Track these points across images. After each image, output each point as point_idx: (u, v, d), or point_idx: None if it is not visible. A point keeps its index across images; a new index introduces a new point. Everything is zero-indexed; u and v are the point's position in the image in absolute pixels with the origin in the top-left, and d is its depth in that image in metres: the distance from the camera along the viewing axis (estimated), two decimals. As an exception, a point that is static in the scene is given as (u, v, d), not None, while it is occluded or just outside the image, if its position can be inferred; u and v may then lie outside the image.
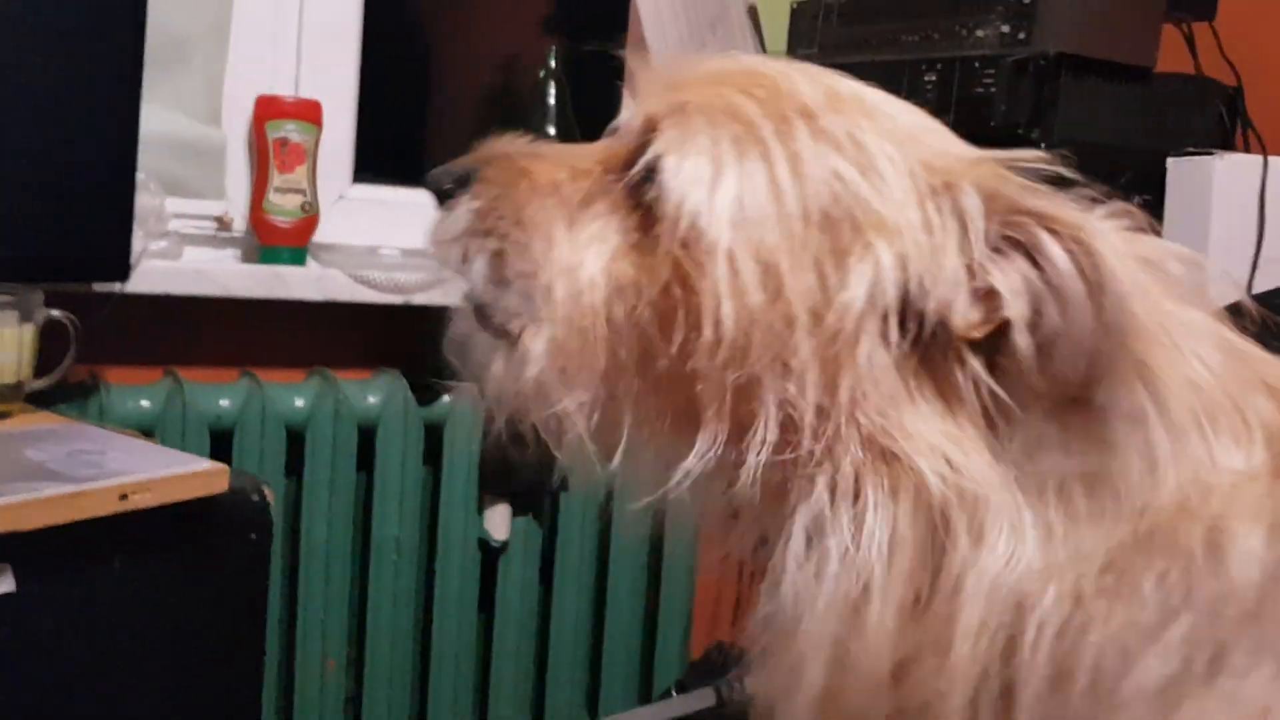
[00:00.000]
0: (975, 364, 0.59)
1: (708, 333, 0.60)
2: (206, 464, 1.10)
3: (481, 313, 0.70)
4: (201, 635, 1.14)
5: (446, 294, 1.79)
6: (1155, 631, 0.55)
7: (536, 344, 0.65)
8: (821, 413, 0.59)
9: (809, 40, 1.85)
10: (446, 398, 1.71)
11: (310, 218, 1.66)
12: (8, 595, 0.98)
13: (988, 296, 0.58)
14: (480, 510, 1.75)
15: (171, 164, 1.56)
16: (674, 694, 1.94)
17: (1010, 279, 0.58)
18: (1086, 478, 0.58)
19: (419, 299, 1.69)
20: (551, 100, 1.86)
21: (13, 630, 0.99)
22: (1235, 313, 0.64)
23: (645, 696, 1.94)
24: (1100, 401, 0.57)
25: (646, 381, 0.64)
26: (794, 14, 1.90)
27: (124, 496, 1.02)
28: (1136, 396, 0.58)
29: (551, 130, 1.84)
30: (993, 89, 1.54)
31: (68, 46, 1.28)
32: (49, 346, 1.31)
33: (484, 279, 0.68)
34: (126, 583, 1.07)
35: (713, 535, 0.71)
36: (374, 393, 1.66)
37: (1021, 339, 0.57)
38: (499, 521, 1.76)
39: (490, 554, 1.78)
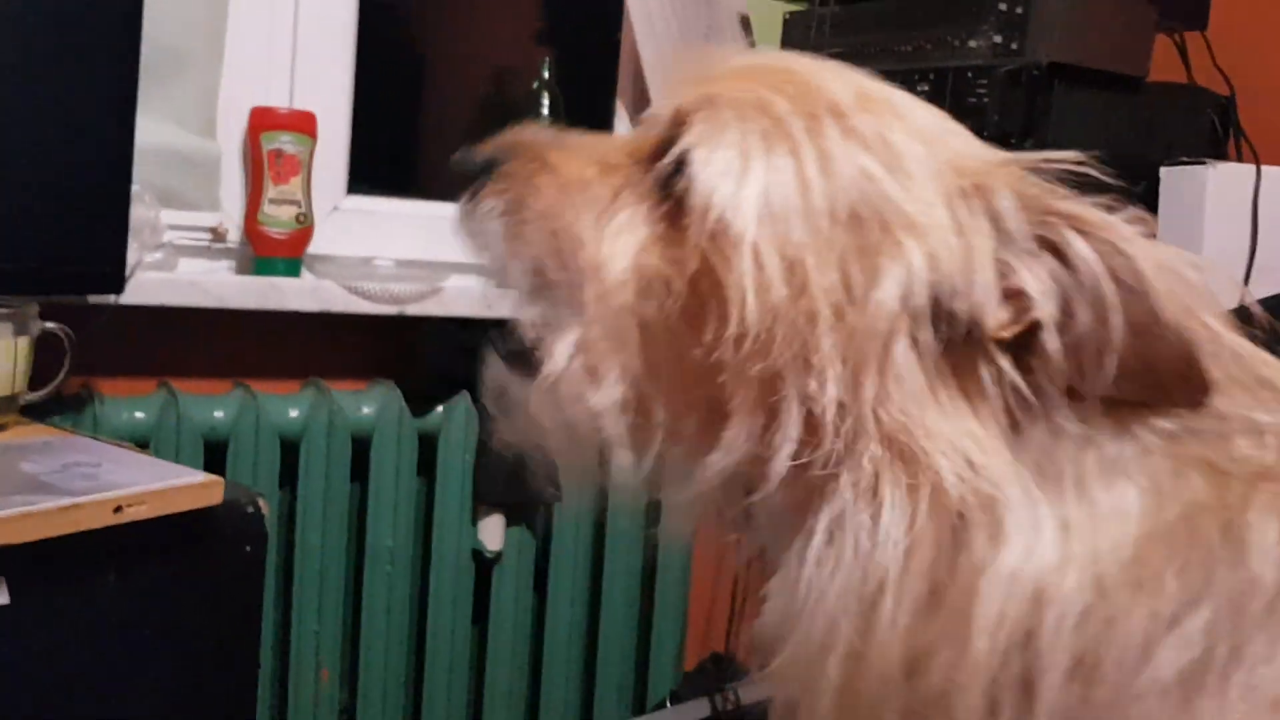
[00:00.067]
0: (1003, 363, 0.59)
1: (732, 325, 0.60)
2: (201, 476, 1.10)
3: (515, 360, 0.70)
4: (196, 647, 1.14)
5: (441, 304, 1.79)
6: (1175, 622, 0.55)
7: (565, 344, 0.65)
8: (843, 410, 0.59)
9: (801, 50, 1.85)
10: (440, 408, 1.71)
11: (305, 229, 1.66)
12: (2, 608, 0.97)
13: (1016, 297, 0.59)
14: (474, 521, 1.75)
15: (166, 176, 1.56)
16: (668, 705, 1.94)
17: (1040, 279, 0.58)
18: (1106, 470, 0.58)
19: (413, 310, 1.69)
20: (545, 110, 1.87)
21: (7, 643, 0.99)
22: (1240, 318, 0.64)
23: (639, 707, 1.94)
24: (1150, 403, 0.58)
25: (676, 378, 0.64)
26: (786, 24, 1.91)
27: (118, 509, 1.01)
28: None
29: (545, 141, 1.84)
30: (985, 99, 1.55)
31: (63, 59, 1.28)
32: (43, 358, 1.31)
33: (522, 284, 0.68)
34: (121, 595, 1.06)
35: (723, 536, 0.71)
36: (368, 403, 1.66)
37: (1051, 340, 0.58)
38: (493, 532, 1.76)
39: (484, 564, 1.77)
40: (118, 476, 1.07)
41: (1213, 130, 1.74)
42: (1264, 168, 1.59)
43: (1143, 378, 0.57)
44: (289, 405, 1.61)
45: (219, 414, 1.56)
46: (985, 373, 0.59)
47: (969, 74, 1.57)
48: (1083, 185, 0.62)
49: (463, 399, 1.71)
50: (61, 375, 1.34)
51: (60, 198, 1.30)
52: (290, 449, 1.60)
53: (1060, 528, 0.58)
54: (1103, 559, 0.57)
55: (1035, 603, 0.57)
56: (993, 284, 0.59)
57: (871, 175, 0.60)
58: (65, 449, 1.16)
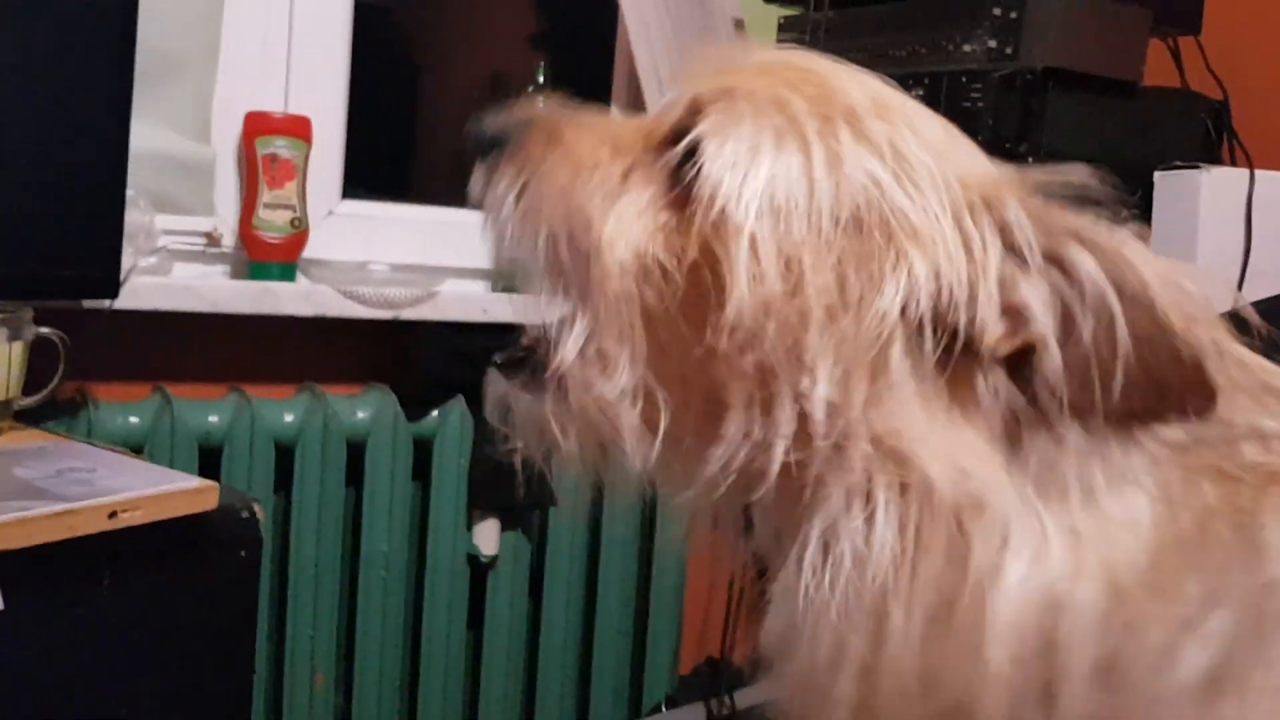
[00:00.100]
0: (999, 376, 0.59)
1: (728, 314, 0.61)
2: (196, 481, 1.10)
3: (515, 368, 0.70)
4: (191, 652, 1.14)
5: (436, 309, 1.79)
6: (1196, 625, 0.55)
7: (575, 333, 0.65)
8: (834, 410, 0.60)
9: (797, 55, 1.85)
10: (435, 413, 1.71)
11: (300, 233, 1.66)
12: (-4, 614, 0.97)
13: (1016, 312, 0.59)
14: (469, 525, 1.74)
15: (161, 180, 1.56)
16: (663, 709, 1.94)
17: (1041, 295, 0.58)
18: (1115, 480, 0.58)
19: (408, 314, 1.69)
20: (540, 115, 1.87)
21: (3, 649, 0.98)
22: (1236, 323, 0.65)
23: (634, 712, 1.94)
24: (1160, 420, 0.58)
25: (678, 368, 0.64)
26: (781, 27, 1.91)
27: (113, 515, 1.01)
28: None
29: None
30: (980, 103, 1.55)
31: (58, 62, 1.28)
32: (38, 363, 1.31)
33: (532, 261, 0.68)
34: (116, 601, 1.06)
35: (722, 541, 0.71)
36: (363, 408, 1.66)
37: (1050, 357, 0.58)
38: (488, 536, 1.76)
39: (479, 569, 1.77)
40: (113, 482, 1.06)
41: (1206, 135, 1.74)
42: (1257, 172, 1.59)
43: (1150, 388, 0.57)
44: (284, 410, 1.61)
45: (214, 419, 1.55)
46: (982, 384, 0.59)
47: (964, 78, 1.57)
48: (1079, 194, 0.62)
49: (458, 403, 1.71)
50: (56, 380, 1.34)
51: (55, 202, 1.30)
52: (285, 454, 1.60)
53: (1069, 536, 0.58)
54: (1117, 565, 0.57)
55: (1051, 610, 0.57)
56: (995, 299, 0.59)
57: (879, 182, 0.61)
58: (60, 454, 1.16)
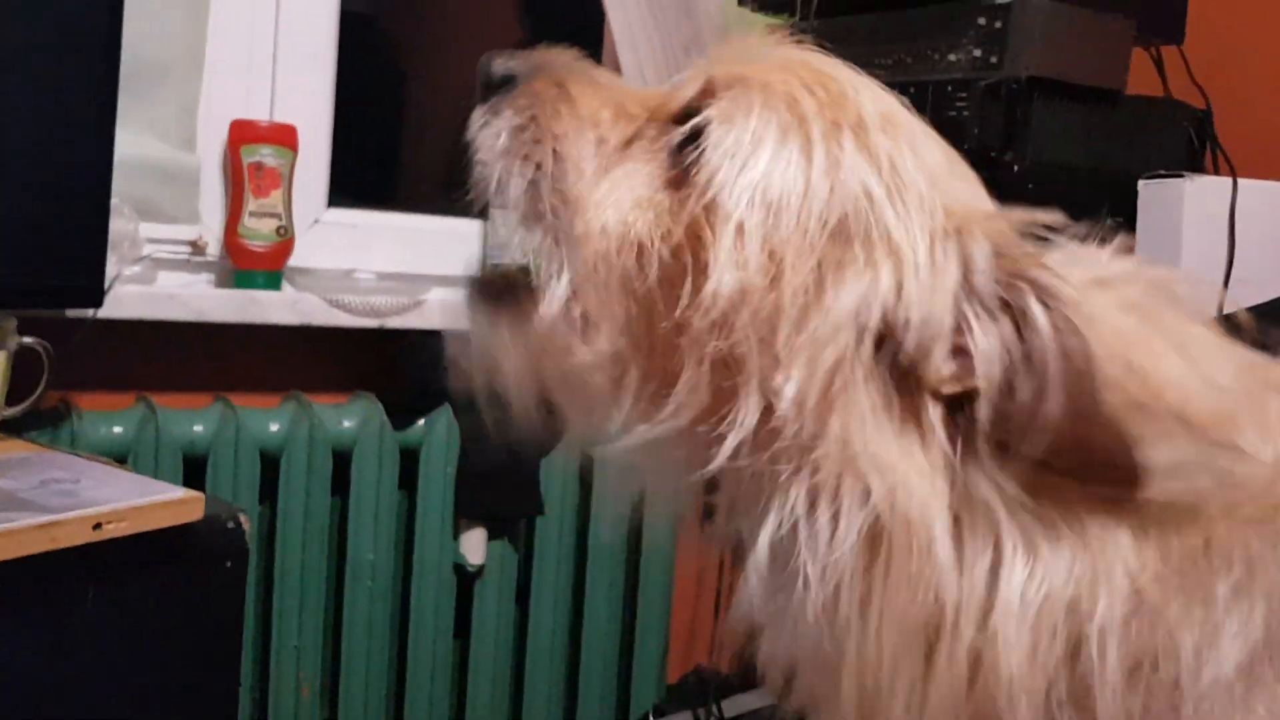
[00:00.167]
0: (935, 414, 0.59)
1: (704, 297, 0.61)
2: (181, 492, 1.09)
3: (478, 287, 0.70)
4: (176, 663, 1.13)
5: (423, 317, 1.79)
6: (1229, 622, 0.56)
7: (559, 285, 0.66)
8: (799, 408, 0.60)
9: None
10: (422, 422, 1.70)
11: (285, 242, 1.65)
12: (-21, 627, 0.97)
13: (965, 355, 0.59)
14: (456, 534, 1.74)
15: (146, 188, 1.55)
16: (651, 718, 1.93)
17: (991, 343, 0.58)
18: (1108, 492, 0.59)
19: (394, 323, 1.69)
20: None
21: (-16, 662, 0.98)
22: (1229, 326, 0.65)
23: (623, 720, 1.94)
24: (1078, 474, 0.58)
25: (646, 341, 0.65)
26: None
27: (98, 526, 1.01)
28: (1157, 414, 0.59)
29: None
30: (965, 112, 1.55)
31: (42, 72, 1.28)
32: (21, 373, 1.30)
33: (518, 208, 0.68)
34: (101, 612, 1.05)
35: (691, 535, 0.72)
36: (349, 417, 1.65)
37: (985, 407, 0.58)
38: (475, 546, 1.75)
39: (466, 578, 1.77)
40: (97, 493, 1.06)
41: (1190, 144, 1.75)
42: (1240, 181, 1.60)
43: (1075, 456, 0.57)
44: (269, 419, 1.60)
45: (198, 428, 1.55)
46: (928, 413, 0.60)
47: (949, 87, 1.58)
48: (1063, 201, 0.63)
49: (444, 412, 1.70)
50: (39, 390, 1.33)
51: (39, 210, 1.29)
52: (270, 463, 1.59)
53: (1071, 546, 0.58)
54: (1138, 569, 0.57)
55: (1070, 618, 0.57)
56: (946, 332, 0.59)
57: (872, 195, 0.61)
58: (43, 465, 1.16)
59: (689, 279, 0.62)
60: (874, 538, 0.59)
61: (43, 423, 1.46)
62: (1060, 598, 0.57)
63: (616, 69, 1.94)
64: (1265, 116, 1.87)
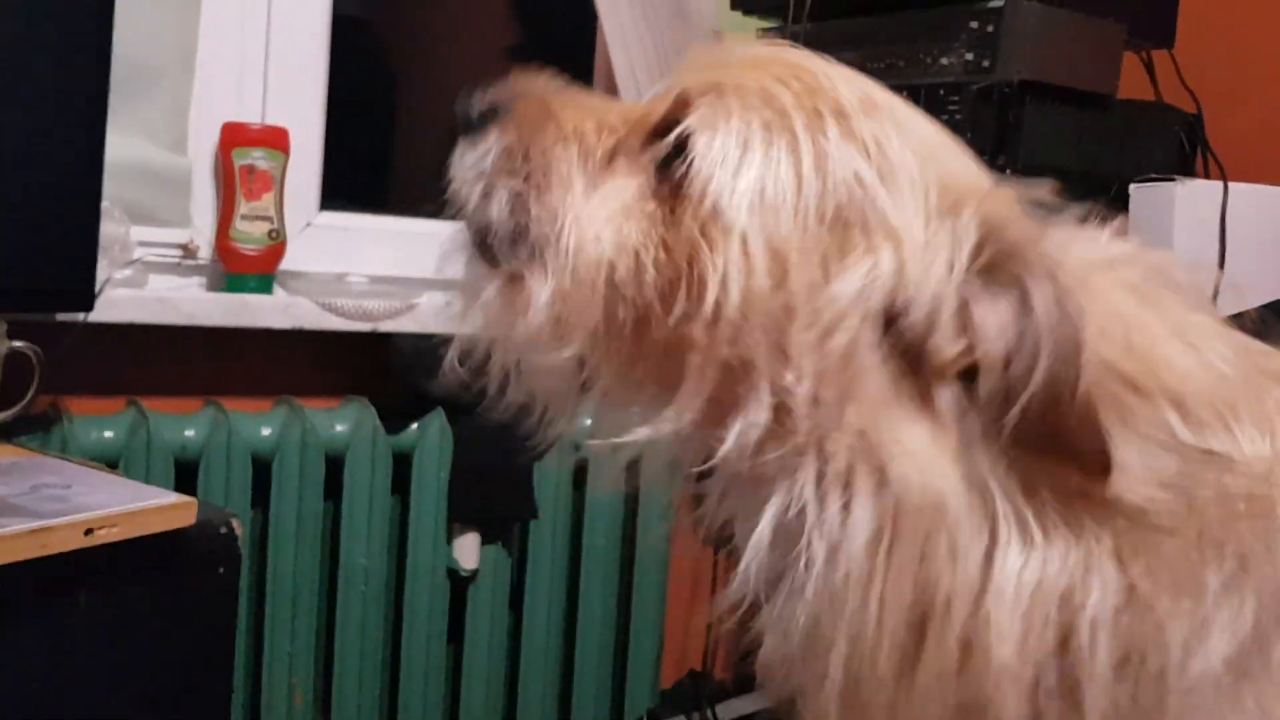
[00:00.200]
0: (951, 390, 0.59)
1: (708, 308, 0.61)
2: (174, 497, 1.09)
3: (482, 242, 0.70)
4: (169, 669, 1.12)
5: (415, 321, 1.78)
6: (1218, 616, 0.56)
7: (542, 291, 0.66)
8: (815, 404, 0.60)
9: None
10: (414, 426, 1.70)
11: (277, 245, 1.65)
12: (-30, 633, 0.96)
13: (971, 329, 0.59)
14: (449, 539, 1.73)
15: (137, 192, 1.55)
16: (645, 723, 1.93)
17: (991, 320, 0.58)
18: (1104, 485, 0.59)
19: (387, 326, 1.69)
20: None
21: (-25, 669, 0.97)
22: (1237, 321, 0.66)
23: (616, 725, 1.93)
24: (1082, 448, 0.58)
25: (636, 347, 0.65)
26: (759, 40, 1.91)
27: (89, 531, 1.00)
28: (1154, 406, 0.59)
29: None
30: (958, 116, 1.56)
31: (32, 75, 1.27)
32: (11, 377, 1.29)
33: (501, 219, 0.68)
34: (93, 618, 1.05)
35: (682, 527, 0.72)
36: (341, 421, 1.65)
37: (989, 381, 0.58)
38: (468, 550, 1.75)
39: (459, 583, 1.76)
40: (88, 498, 1.05)
41: (1180, 147, 1.75)
42: (1231, 184, 1.61)
43: (1045, 439, 0.57)
44: (261, 423, 1.60)
45: (190, 433, 1.54)
46: (940, 393, 0.60)
47: (941, 91, 1.58)
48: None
49: (437, 417, 1.70)
50: (30, 394, 1.32)
51: (29, 214, 1.29)
52: (262, 468, 1.59)
53: (1066, 536, 0.58)
54: (1130, 560, 0.57)
55: (1061, 607, 0.57)
56: (951, 308, 0.59)
57: (863, 180, 0.61)
58: (34, 470, 1.15)
59: (684, 288, 0.62)
60: (887, 520, 0.59)
61: (33, 427, 1.45)
62: (1054, 587, 0.57)
63: (609, 72, 1.94)
64: (1256, 120, 1.87)
